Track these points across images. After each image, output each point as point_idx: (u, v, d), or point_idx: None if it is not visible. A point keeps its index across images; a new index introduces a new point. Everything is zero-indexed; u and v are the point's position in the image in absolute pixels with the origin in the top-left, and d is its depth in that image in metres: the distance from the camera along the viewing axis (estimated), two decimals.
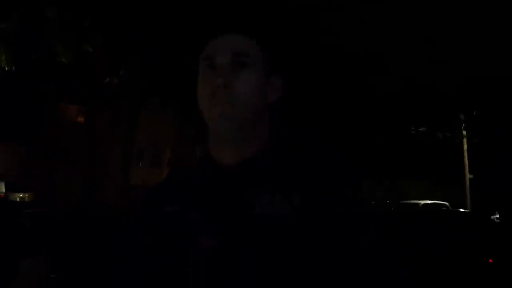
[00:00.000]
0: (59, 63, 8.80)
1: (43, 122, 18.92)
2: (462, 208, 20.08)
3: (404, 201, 18.46)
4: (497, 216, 15.44)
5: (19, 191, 15.36)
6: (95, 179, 14.98)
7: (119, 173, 14.23)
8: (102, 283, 3.11)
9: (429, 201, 18.14)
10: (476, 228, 5.35)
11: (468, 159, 23.46)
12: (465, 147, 23.15)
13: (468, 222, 5.73)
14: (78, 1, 7.64)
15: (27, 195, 15.35)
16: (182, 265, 0.93)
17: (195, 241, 0.93)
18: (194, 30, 6.17)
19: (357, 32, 7.83)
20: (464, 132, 17.18)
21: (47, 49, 8.52)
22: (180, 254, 0.94)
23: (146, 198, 1.08)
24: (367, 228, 0.95)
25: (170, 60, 7.57)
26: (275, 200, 0.92)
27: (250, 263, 0.89)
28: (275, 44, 1.05)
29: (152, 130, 19.75)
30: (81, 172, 16.53)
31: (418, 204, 17.49)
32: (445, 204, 18.48)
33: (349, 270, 0.91)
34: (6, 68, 8.04)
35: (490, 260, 4.50)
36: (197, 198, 0.98)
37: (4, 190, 15.20)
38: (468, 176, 23.69)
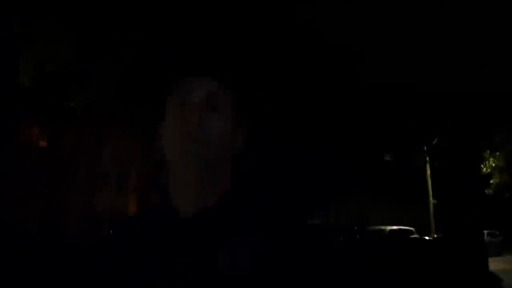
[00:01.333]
0: (22, 83, 8.56)
1: (3, 141, 18.28)
2: (427, 233, 20.52)
3: (371, 227, 18.66)
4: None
5: None
6: (58, 205, 14.48)
7: (83, 198, 13.81)
8: None
9: (395, 227, 18.45)
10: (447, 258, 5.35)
11: (432, 184, 24.13)
12: (428, 172, 23.82)
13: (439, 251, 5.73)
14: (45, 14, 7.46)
15: None
16: None
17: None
18: (166, 66, 6.19)
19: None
20: (427, 158, 17.69)
21: (9, 68, 8.29)
22: None
23: (102, 245, 1.06)
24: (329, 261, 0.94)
25: (136, 83, 7.51)
26: (237, 248, 0.90)
27: None
28: (245, 96, 1.07)
29: (117, 154, 19.37)
30: (44, 197, 15.93)
31: (384, 230, 17.73)
32: (411, 230, 18.82)
33: None
34: None
35: None
36: (158, 245, 0.95)
37: None
38: (432, 201, 24.31)
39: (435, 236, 20.11)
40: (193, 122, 0.95)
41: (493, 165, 23.09)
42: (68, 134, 14.28)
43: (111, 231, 14.73)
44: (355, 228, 18.58)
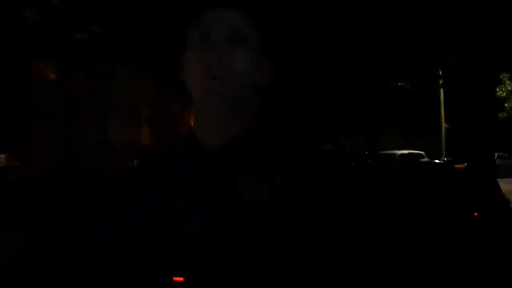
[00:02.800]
0: (26, 18, 8.38)
1: (16, 80, 18.30)
2: (438, 157, 20.70)
3: (381, 152, 18.83)
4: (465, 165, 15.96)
5: None
6: (73, 137, 14.76)
7: (97, 130, 14.04)
8: (81, 255, 3.11)
9: (405, 151, 18.53)
10: (457, 181, 5.39)
11: (444, 109, 23.93)
12: (442, 96, 23.52)
13: (447, 174, 5.77)
14: None
15: (3, 156, 15.05)
16: (162, 244, 0.93)
17: (179, 223, 0.93)
18: None
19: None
20: (441, 82, 17.39)
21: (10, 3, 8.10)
22: (162, 234, 0.94)
23: (129, 179, 1.07)
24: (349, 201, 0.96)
25: (148, 17, 7.30)
26: (260, 182, 0.92)
27: (235, 247, 0.90)
28: (270, 26, 1.02)
29: (129, 87, 19.35)
30: (58, 131, 16.21)
31: (395, 154, 17.87)
32: (421, 154, 18.94)
33: (340, 248, 0.93)
34: None
35: (475, 214, 4.53)
36: (180, 179, 0.97)
37: None
38: (444, 125, 24.25)
39: (445, 159, 20.32)
40: (215, 58, 0.91)
41: (510, 88, 22.59)
42: (80, 67, 14.20)
43: (136, 162, 15.10)
44: (366, 153, 18.82)
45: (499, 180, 5.79)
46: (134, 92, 20.56)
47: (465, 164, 15.72)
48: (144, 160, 1.11)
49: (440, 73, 14.42)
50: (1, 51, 15.73)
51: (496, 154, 21.04)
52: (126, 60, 12.13)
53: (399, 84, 14.10)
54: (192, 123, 1.04)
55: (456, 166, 11.74)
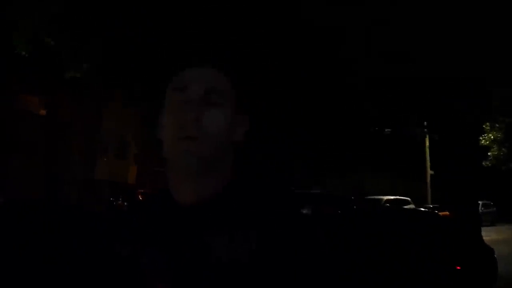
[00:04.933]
0: (18, 55, 8.47)
1: (3, 112, 18.20)
2: (423, 204, 20.77)
3: (368, 197, 18.84)
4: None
5: None
6: (57, 172, 14.56)
7: (83, 166, 13.89)
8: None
9: (391, 197, 18.58)
10: (442, 230, 5.32)
11: (429, 155, 24.25)
12: (427, 143, 23.90)
13: (434, 223, 5.72)
14: None
15: None
16: None
17: (150, 284, 0.91)
18: (164, 53, 6.08)
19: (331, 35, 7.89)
20: (426, 130, 17.69)
21: (4, 40, 8.19)
22: None
23: (100, 236, 1.08)
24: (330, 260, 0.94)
25: (135, 56, 7.42)
26: (234, 241, 0.90)
27: None
28: (245, 83, 1.05)
29: (117, 124, 19.34)
30: (42, 165, 15.99)
31: (381, 199, 17.89)
32: (407, 200, 19.01)
33: None
34: None
35: (458, 268, 4.36)
36: (153, 238, 0.96)
37: None
38: (429, 172, 24.49)
39: (431, 206, 20.37)
40: (191, 118, 0.92)
41: (492, 137, 23.14)
42: (67, 103, 14.22)
43: (110, 199, 14.88)
44: (352, 198, 18.80)
45: (485, 229, 5.78)
46: (122, 129, 20.54)
47: (450, 211, 15.78)
48: (118, 218, 1.10)
49: (425, 123, 14.72)
50: None
51: (480, 203, 21.25)
52: (115, 97, 12.19)
53: (386, 130, 14.34)
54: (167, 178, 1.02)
55: (442, 213, 11.75)
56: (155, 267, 0.92)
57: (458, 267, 4.31)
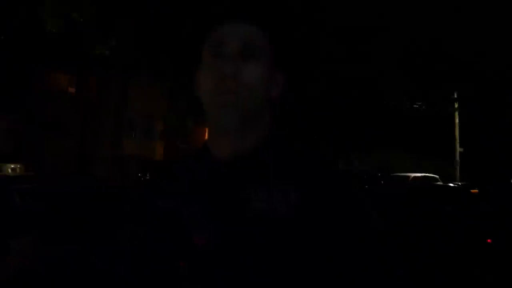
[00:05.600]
0: (48, 32, 8.59)
1: (32, 91, 18.65)
2: (451, 181, 20.40)
3: (394, 174, 18.62)
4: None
5: (10, 162, 15.23)
6: (86, 149, 14.92)
7: (111, 143, 14.14)
8: (97, 264, 3.11)
9: (419, 174, 18.29)
10: (472, 205, 5.26)
11: (459, 133, 23.71)
12: (457, 120, 23.34)
13: (463, 197, 5.64)
14: None
15: (18, 166, 15.24)
16: (175, 260, 0.92)
17: (190, 237, 0.92)
18: (199, 10, 6.05)
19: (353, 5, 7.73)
20: (456, 106, 17.26)
21: (34, 17, 8.30)
22: (174, 249, 0.93)
23: (141, 192, 1.09)
24: (368, 221, 0.93)
25: (163, 30, 7.42)
26: (274, 196, 0.90)
27: (247, 261, 0.88)
28: (283, 39, 1.02)
29: (143, 101, 19.58)
30: (73, 142, 16.41)
31: (408, 176, 17.66)
32: (435, 177, 18.68)
33: (354, 267, 0.89)
34: None
35: (489, 241, 4.39)
36: (193, 192, 0.97)
37: None
38: (458, 149, 23.98)
39: (459, 184, 20.01)
40: (228, 73, 0.92)
41: None
42: (94, 80, 14.43)
43: (138, 174, 15.19)
44: (379, 174, 18.63)
45: None
46: (149, 106, 20.79)
47: (480, 188, 15.47)
48: (156, 171, 1.11)
49: (456, 95, 14.34)
50: (19, 63, 16.10)
51: None
52: (141, 74, 12.30)
53: (414, 106, 14.05)
54: (206, 137, 1.04)
55: (472, 191, 11.55)
56: (195, 220, 0.93)
57: (489, 240, 4.31)
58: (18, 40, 11.19)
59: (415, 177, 17.67)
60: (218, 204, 0.93)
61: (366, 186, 7.79)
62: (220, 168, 0.96)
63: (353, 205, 0.93)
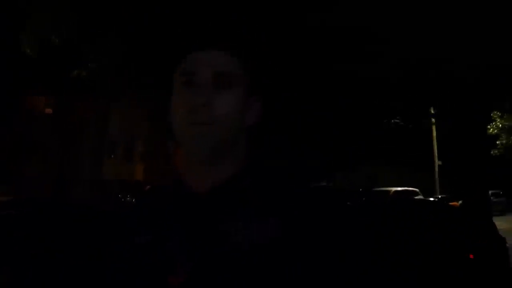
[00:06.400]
0: (26, 54, 8.50)
1: (9, 113, 18.34)
2: (431, 194, 20.68)
3: (376, 189, 18.77)
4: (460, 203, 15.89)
5: None
6: (66, 173, 14.66)
7: (91, 165, 13.97)
8: None
9: (400, 188, 18.47)
10: (454, 221, 5.28)
11: (437, 146, 24.15)
12: (434, 134, 23.79)
13: (445, 213, 5.68)
14: None
15: None
16: None
17: (166, 274, 0.89)
18: (171, 38, 6.08)
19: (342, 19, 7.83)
20: (433, 120, 17.59)
21: (12, 40, 8.23)
22: (151, 286, 0.90)
23: (116, 226, 1.04)
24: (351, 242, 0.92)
25: (142, 55, 7.42)
26: (253, 228, 0.88)
27: None
28: (257, 64, 1.00)
29: (123, 123, 19.41)
30: (52, 165, 16.10)
31: (389, 191, 17.81)
32: (415, 191, 18.90)
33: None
34: None
35: (471, 256, 4.35)
36: (169, 226, 0.94)
37: None
38: (437, 162, 24.39)
39: (439, 197, 20.26)
40: (201, 103, 0.89)
41: (500, 126, 22.95)
42: (75, 103, 14.27)
43: (122, 198, 14.97)
44: (360, 190, 18.75)
45: (495, 218, 5.72)
46: (129, 127, 20.62)
47: (460, 202, 15.70)
48: (133, 207, 1.08)
49: (432, 110, 14.63)
50: None
51: (490, 192, 21.13)
52: (121, 96, 12.22)
53: (393, 121, 14.27)
54: (179, 165, 1.01)
55: (451, 203, 11.71)
56: (171, 257, 0.90)
57: (471, 256, 4.28)
58: None
59: (396, 191, 17.85)
60: (195, 239, 0.90)
61: (348, 203, 7.82)
62: (196, 200, 0.94)
63: (334, 232, 0.92)
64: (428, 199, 13.58)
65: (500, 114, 22.23)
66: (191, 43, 0.96)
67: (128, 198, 14.95)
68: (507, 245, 5.60)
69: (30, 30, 7.62)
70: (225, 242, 0.88)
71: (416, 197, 17.37)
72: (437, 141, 23.82)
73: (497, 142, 23.23)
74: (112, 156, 20.21)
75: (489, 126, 22.36)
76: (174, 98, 0.95)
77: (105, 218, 4.34)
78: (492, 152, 22.55)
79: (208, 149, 0.91)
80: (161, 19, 6.56)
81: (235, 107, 0.93)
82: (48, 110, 18.65)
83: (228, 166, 0.95)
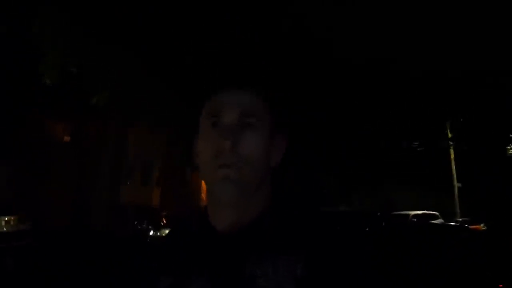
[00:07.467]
0: (44, 82, 8.70)
1: (27, 140, 18.68)
2: (451, 217, 20.17)
3: (395, 212, 18.41)
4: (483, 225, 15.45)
5: (6, 214, 14.97)
6: (83, 198, 14.77)
7: (109, 192, 14.06)
8: None
9: (419, 212, 18.08)
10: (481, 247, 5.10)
11: (456, 167, 23.71)
12: (452, 156, 23.39)
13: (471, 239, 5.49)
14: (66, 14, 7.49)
15: (12, 218, 14.98)
16: None
17: None
18: (194, 74, 6.19)
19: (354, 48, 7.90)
20: (451, 142, 17.37)
21: (30, 68, 8.45)
22: None
23: (142, 266, 1.03)
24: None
25: (160, 81, 7.54)
26: (279, 270, 0.87)
27: None
28: (281, 103, 1.00)
29: (140, 149, 19.59)
30: (69, 191, 16.26)
31: (408, 215, 17.46)
32: (435, 214, 18.48)
33: None
34: None
35: (500, 286, 4.14)
36: (194, 268, 0.93)
37: None
38: (456, 185, 23.89)
39: (460, 220, 19.75)
40: (227, 145, 0.89)
41: None
42: (92, 131, 14.50)
43: (135, 222, 14.99)
44: (379, 214, 18.42)
45: None
46: (146, 152, 20.79)
47: (482, 225, 15.27)
48: (159, 247, 1.06)
49: (449, 132, 14.46)
50: (17, 113, 16.21)
51: None
52: (139, 121, 12.39)
53: (412, 145, 14.14)
54: (205, 204, 1.01)
55: (472, 227, 11.40)
56: None
57: (501, 286, 4.09)
58: (15, 90, 11.32)
59: (415, 214, 17.47)
60: (221, 283, 0.89)
61: (367, 229, 7.68)
62: (221, 242, 0.93)
63: (358, 266, 0.90)
64: (451, 224, 13.25)
65: None
66: (216, 83, 0.96)
67: (144, 226, 14.95)
68: None
69: (50, 59, 7.82)
70: (252, 286, 0.87)
71: (436, 221, 17.00)
72: (457, 163, 23.40)
73: None
74: (128, 183, 20.32)
75: (508, 147, 21.97)
76: (200, 140, 0.96)
77: (128, 255, 4.32)
78: None
79: (235, 192, 0.90)
80: (185, 54, 6.66)
81: (261, 147, 0.93)
82: (67, 138, 18.96)
83: (254, 207, 0.94)
